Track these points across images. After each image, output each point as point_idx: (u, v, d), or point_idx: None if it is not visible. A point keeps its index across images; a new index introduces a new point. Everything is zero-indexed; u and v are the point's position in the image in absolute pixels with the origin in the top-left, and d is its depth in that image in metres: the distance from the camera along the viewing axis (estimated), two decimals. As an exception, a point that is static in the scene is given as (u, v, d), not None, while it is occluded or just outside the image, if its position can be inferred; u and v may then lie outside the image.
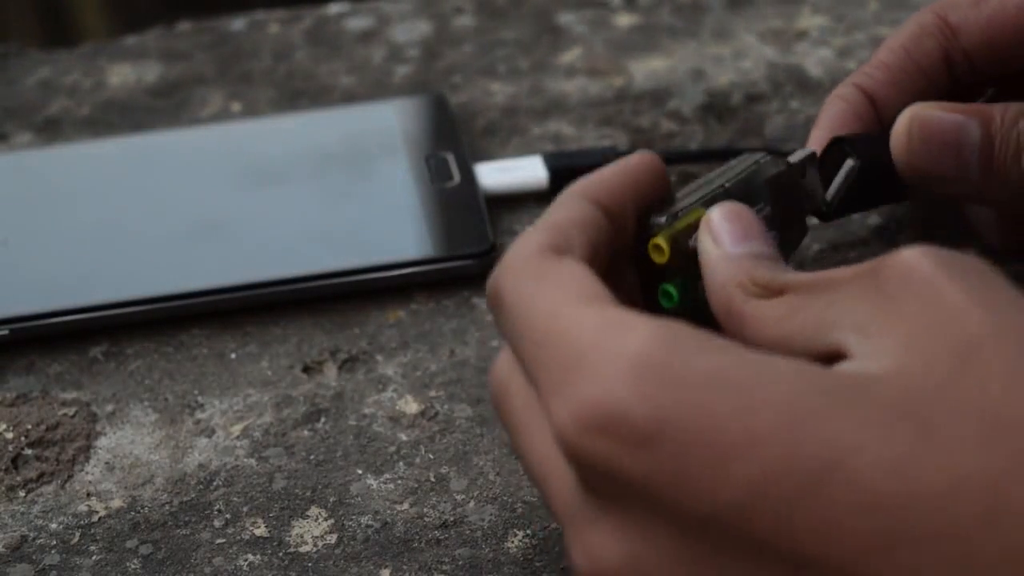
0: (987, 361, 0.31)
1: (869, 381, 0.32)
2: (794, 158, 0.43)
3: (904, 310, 0.33)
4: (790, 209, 0.42)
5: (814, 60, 0.58)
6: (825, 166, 0.44)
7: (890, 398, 0.31)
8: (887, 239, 0.50)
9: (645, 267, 0.40)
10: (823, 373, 0.33)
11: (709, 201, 0.40)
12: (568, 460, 0.33)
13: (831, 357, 0.34)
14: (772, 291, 0.36)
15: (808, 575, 0.31)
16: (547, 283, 0.36)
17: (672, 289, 0.39)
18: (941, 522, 0.30)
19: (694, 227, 0.39)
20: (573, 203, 0.39)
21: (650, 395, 0.32)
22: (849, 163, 0.44)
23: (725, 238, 0.38)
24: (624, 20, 0.61)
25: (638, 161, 0.40)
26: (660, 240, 0.39)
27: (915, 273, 0.33)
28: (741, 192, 0.41)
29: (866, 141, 0.45)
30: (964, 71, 0.47)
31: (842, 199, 0.44)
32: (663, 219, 0.39)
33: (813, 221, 0.45)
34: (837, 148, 0.44)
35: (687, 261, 0.39)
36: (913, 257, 0.34)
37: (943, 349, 0.32)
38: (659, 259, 0.39)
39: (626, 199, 0.39)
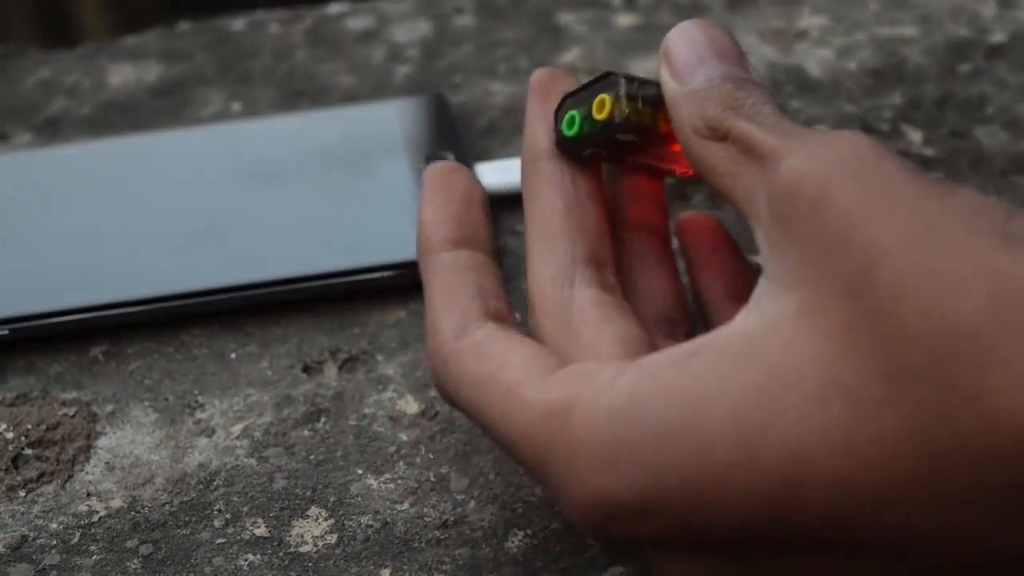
0: (891, 284, 0.30)
1: (784, 359, 0.32)
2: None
3: (794, 230, 0.32)
4: None
5: (814, 60, 0.58)
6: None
7: (809, 378, 0.31)
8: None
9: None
10: (739, 395, 0.32)
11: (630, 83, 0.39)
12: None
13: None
14: (718, 134, 0.36)
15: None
16: (472, 383, 0.36)
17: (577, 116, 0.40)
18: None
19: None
20: (435, 266, 0.39)
21: (626, 476, 0.33)
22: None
23: (681, 71, 0.37)
24: (624, 20, 0.61)
25: (441, 171, 0.40)
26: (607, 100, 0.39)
27: (801, 193, 0.32)
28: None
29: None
30: None
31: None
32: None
33: None
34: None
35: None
36: (797, 177, 0.33)
37: (837, 291, 0.31)
38: (600, 115, 0.39)
39: (467, 207, 0.39)
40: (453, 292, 0.38)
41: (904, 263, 0.30)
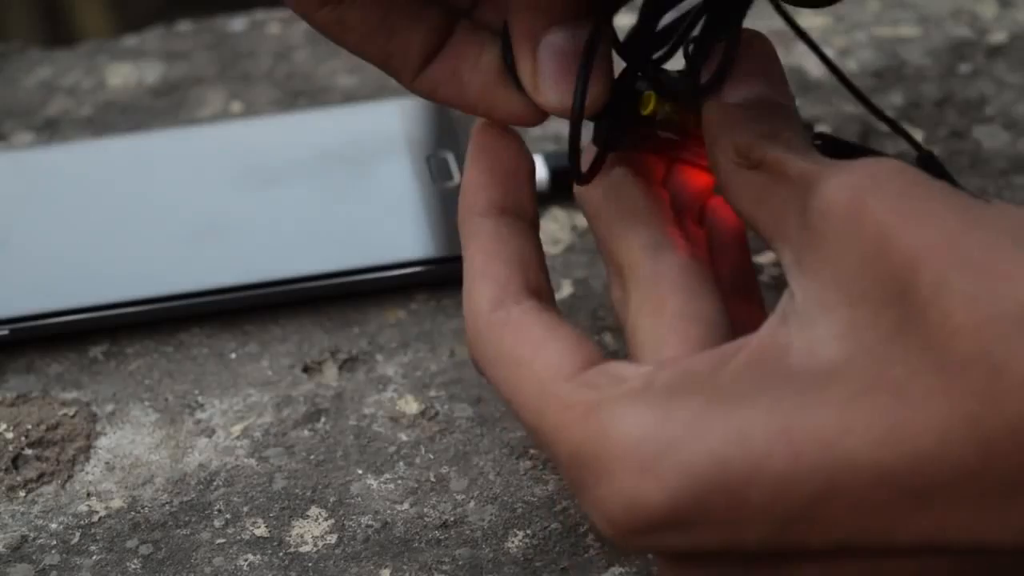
0: (927, 304, 0.30)
1: (825, 368, 0.31)
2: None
3: (829, 248, 0.32)
4: None
5: (814, 60, 0.58)
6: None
7: (853, 378, 0.31)
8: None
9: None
10: (778, 392, 0.32)
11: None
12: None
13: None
14: (751, 163, 0.35)
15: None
16: (505, 364, 0.35)
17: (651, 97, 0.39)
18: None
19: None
20: (476, 231, 0.38)
21: (660, 483, 0.32)
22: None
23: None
24: (625, 20, 0.61)
25: (489, 133, 0.39)
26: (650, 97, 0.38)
27: (835, 209, 0.32)
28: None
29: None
30: None
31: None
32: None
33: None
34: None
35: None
36: (833, 194, 0.32)
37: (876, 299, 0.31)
38: (645, 111, 0.39)
39: (514, 174, 0.38)
40: (492, 259, 0.37)
41: (944, 259, 0.30)
